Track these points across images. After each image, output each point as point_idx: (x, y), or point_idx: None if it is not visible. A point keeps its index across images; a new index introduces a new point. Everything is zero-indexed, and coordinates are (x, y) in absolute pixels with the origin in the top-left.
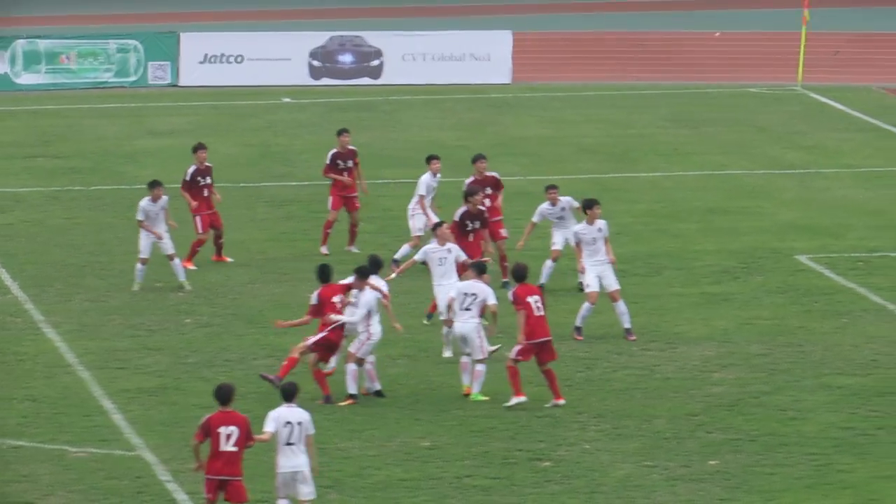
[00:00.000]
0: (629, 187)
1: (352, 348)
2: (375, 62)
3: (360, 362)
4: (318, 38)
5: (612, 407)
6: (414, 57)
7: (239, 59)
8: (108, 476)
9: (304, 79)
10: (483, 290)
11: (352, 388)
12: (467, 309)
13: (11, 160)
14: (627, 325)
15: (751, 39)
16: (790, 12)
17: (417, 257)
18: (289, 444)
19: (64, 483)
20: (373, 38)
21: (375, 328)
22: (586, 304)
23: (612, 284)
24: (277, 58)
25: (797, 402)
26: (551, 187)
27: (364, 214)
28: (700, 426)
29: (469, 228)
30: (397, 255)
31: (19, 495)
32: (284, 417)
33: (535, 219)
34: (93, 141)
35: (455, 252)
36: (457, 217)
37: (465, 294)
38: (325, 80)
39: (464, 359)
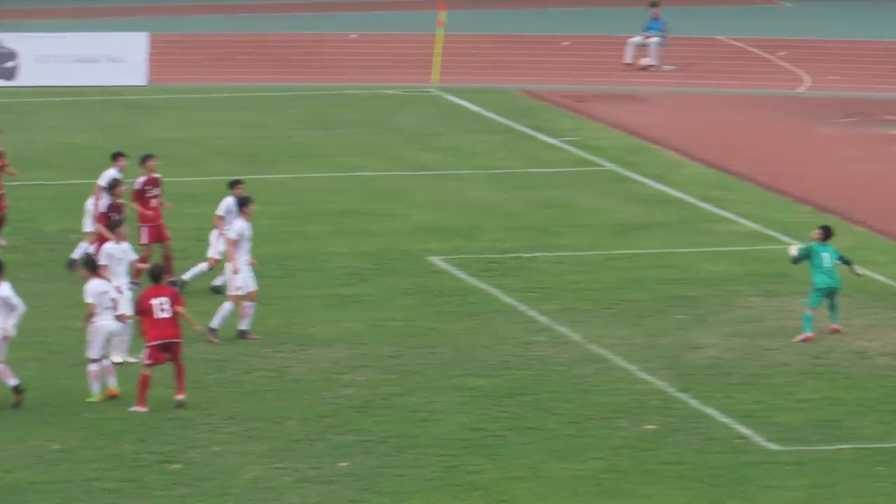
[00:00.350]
0: (262, 189)
1: None
2: (10, 63)
3: None
4: None
5: (242, 409)
6: (49, 58)
7: None
8: None
9: None
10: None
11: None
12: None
13: None
14: (247, 326)
15: (387, 41)
16: (427, 14)
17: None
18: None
19: None
20: (7, 39)
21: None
22: (231, 305)
23: (253, 285)
24: None
25: (428, 404)
26: (238, 182)
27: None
28: (331, 428)
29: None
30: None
31: None
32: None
33: (220, 212)
34: None
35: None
36: (103, 209)
37: (103, 293)
38: None
39: (105, 362)
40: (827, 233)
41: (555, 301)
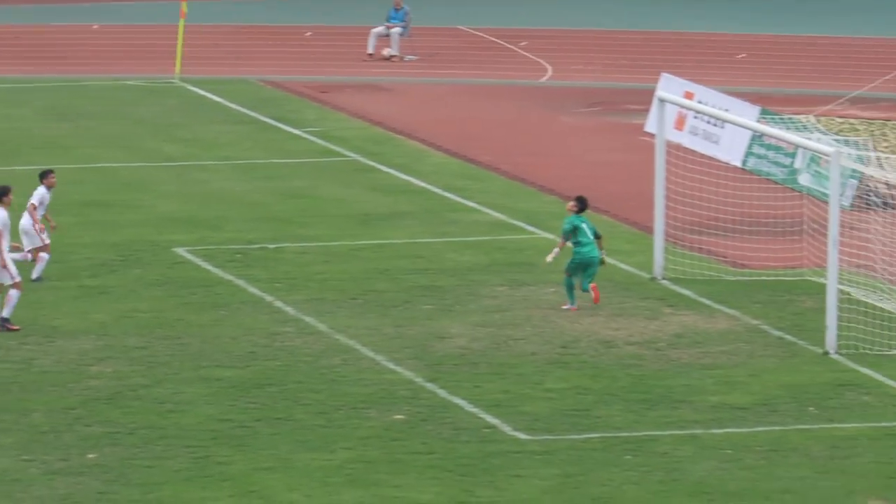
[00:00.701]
0: (6, 180)
1: None
2: None
3: None
4: None
5: None
6: None
7: None
8: None
9: None
10: None
11: None
12: None
13: None
14: (8, 314)
15: (129, 32)
16: (169, 6)
17: None
18: None
19: None
20: None
21: None
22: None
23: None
24: None
25: (176, 395)
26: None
27: None
28: (78, 419)
29: None
30: None
31: None
32: None
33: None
34: None
35: None
36: None
37: None
38: None
39: None
40: (582, 204)
41: (301, 291)
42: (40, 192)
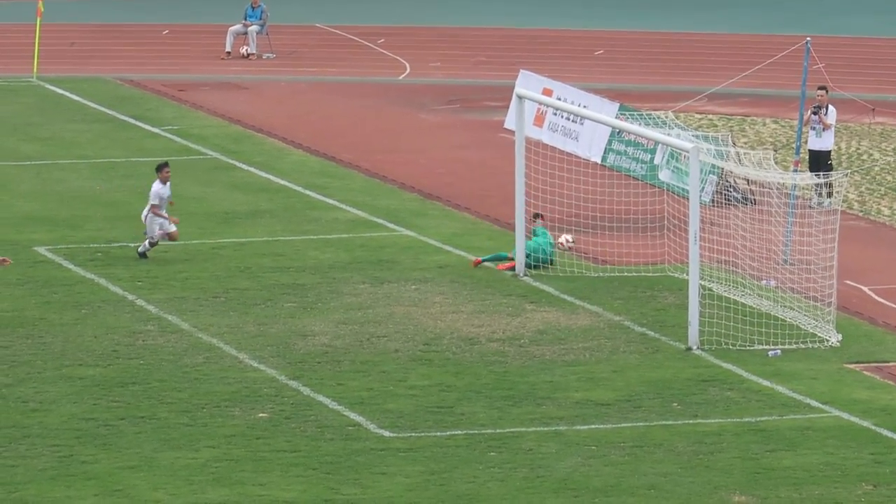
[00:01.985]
0: None
1: None
2: None
3: None
4: None
5: None
6: None
7: None
8: None
9: None
10: None
11: None
12: None
13: None
14: None
15: None
16: (26, 5)
17: None
18: None
19: None
20: None
21: None
22: None
23: None
24: None
25: (39, 394)
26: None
27: None
28: None
29: None
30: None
31: None
32: None
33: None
34: None
35: None
36: None
37: None
38: None
39: None
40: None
41: (163, 290)
42: (156, 190)
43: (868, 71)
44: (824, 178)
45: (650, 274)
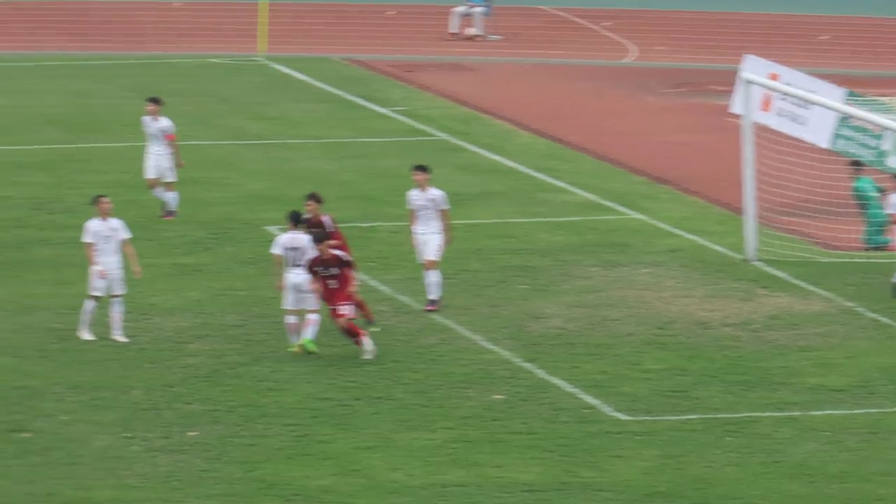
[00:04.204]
0: (96, 157)
1: None
2: None
3: None
4: None
5: (88, 378)
6: None
7: None
8: None
9: None
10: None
11: None
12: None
13: None
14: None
15: (212, 9)
16: None
17: None
18: None
19: None
20: None
21: None
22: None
23: None
24: None
25: (275, 373)
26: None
27: None
28: (178, 397)
29: None
30: None
31: None
32: None
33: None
34: None
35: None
36: None
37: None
38: None
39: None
40: None
41: (395, 271)
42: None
43: None
44: None
45: (881, 260)
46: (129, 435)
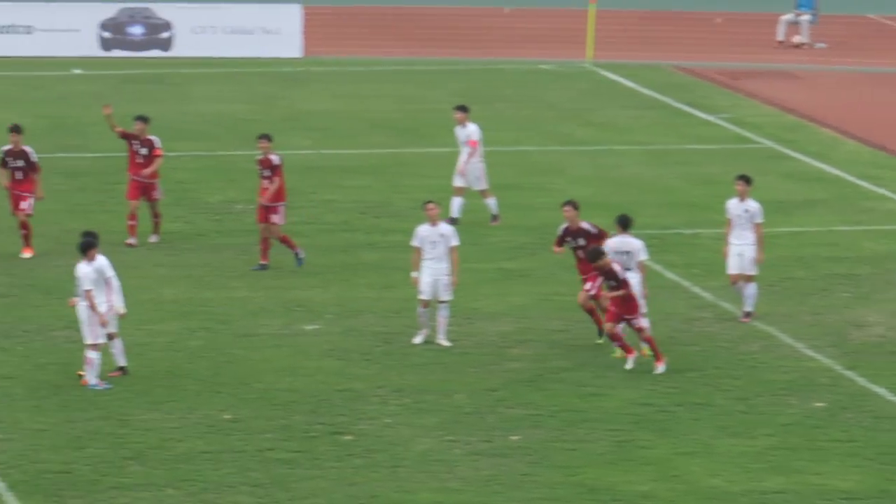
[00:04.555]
0: (423, 162)
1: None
2: (165, 34)
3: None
4: (109, 10)
5: (411, 381)
6: (204, 29)
7: (28, 30)
8: None
9: (95, 50)
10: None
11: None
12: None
13: None
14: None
15: (541, 15)
16: None
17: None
18: None
19: None
20: (162, 9)
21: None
22: None
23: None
24: (67, 29)
25: (596, 378)
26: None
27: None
28: (500, 401)
29: None
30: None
31: None
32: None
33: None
34: None
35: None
36: None
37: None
38: (116, 52)
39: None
40: None
41: (717, 278)
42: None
43: None
44: None
45: None
46: (452, 438)
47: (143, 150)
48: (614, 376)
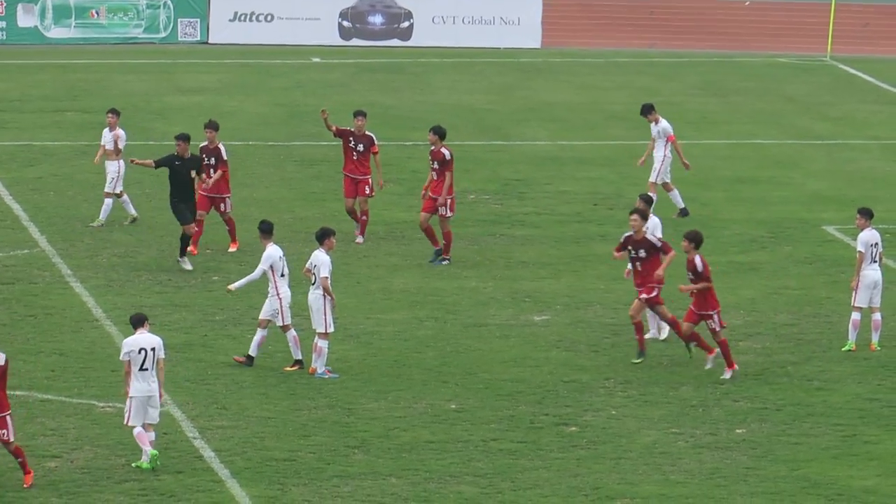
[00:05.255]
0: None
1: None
2: (405, 24)
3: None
4: None
5: (638, 374)
6: (444, 19)
7: (269, 18)
8: None
9: (334, 39)
10: None
11: (296, 354)
12: None
13: (41, 114)
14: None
15: (780, 9)
16: None
17: None
18: (142, 369)
19: (91, 438)
20: (404, 0)
21: (283, 289)
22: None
23: None
24: (307, 17)
25: (824, 373)
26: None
27: (393, 176)
28: (726, 394)
29: None
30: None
31: (46, 448)
32: (138, 344)
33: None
34: (121, 96)
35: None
36: None
37: None
38: (355, 41)
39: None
40: None
41: None
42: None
43: None
44: None
45: None
46: (677, 431)
47: (360, 147)
48: (841, 371)
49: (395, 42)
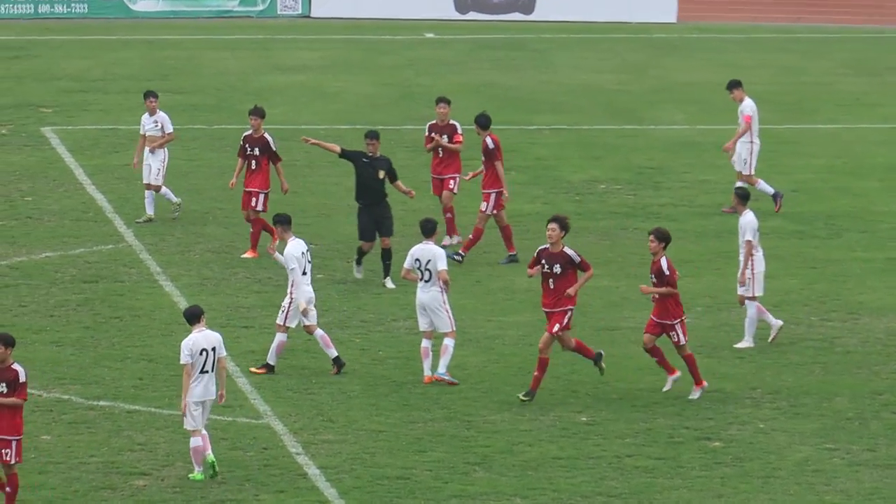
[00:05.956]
0: (805, 140)
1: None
2: None
3: (309, 330)
4: None
5: (788, 383)
6: None
7: None
8: (232, 446)
9: (449, 12)
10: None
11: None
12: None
13: (127, 94)
14: None
15: None
16: None
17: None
18: (203, 371)
19: (183, 453)
20: None
21: (303, 288)
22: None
23: None
24: None
25: None
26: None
27: (514, 164)
28: (886, 406)
29: None
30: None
31: (134, 465)
32: (199, 345)
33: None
34: (215, 76)
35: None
36: None
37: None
38: (472, 15)
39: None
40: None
41: None
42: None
43: None
44: None
45: None
46: (831, 446)
47: (444, 138)
48: None
49: (517, 16)
